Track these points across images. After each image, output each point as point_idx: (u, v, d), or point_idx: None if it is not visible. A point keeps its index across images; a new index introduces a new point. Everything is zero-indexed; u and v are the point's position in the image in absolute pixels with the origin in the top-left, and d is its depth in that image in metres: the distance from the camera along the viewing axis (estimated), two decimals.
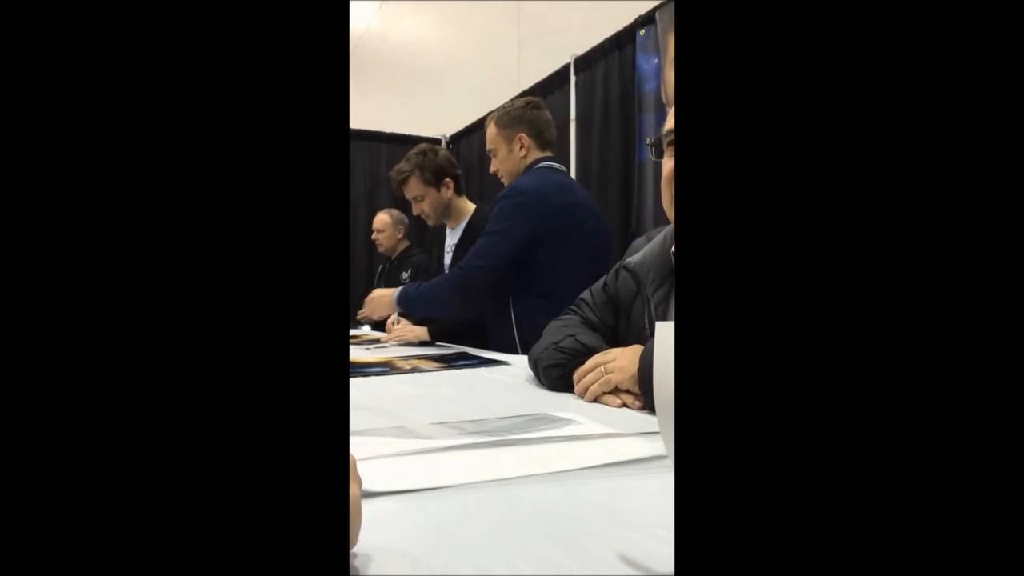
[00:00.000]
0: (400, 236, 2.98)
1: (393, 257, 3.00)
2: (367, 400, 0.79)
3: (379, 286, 2.96)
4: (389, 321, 1.75)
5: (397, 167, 1.88)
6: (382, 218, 3.00)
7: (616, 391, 0.75)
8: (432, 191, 1.85)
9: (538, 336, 0.96)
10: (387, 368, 1.12)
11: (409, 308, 1.67)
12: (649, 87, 2.31)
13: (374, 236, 3.02)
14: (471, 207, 1.90)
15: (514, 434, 0.58)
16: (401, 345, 1.62)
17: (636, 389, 0.72)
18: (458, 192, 1.89)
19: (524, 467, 0.47)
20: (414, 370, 1.09)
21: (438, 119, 3.78)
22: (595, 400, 0.76)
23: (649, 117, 2.31)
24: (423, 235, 3.08)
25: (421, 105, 4.11)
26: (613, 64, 2.48)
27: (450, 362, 1.21)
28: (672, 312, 0.81)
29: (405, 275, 2.75)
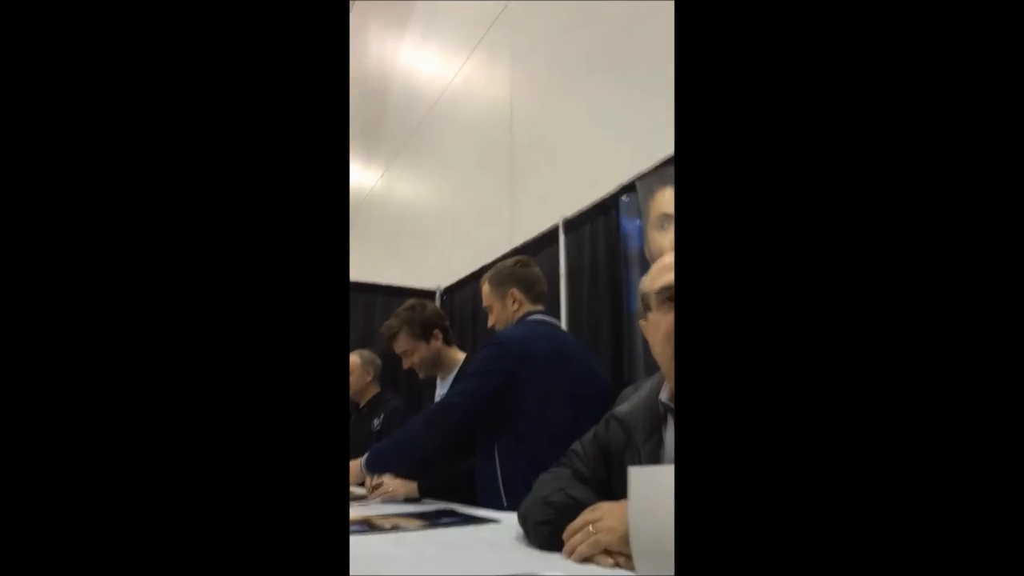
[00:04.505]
0: (369, 379, 2.59)
1: (362, 404, 2.59)
2: None
3: None
4: (368, 479, 1.62)
5: (387, 323, 1.92)
6: (350, 359, 2.54)
7: (607, 551, 0.71)
8: (421, 344, 1.87)
9: (522, 483, 0.93)
10: (365, 526, 1.05)
11: (385, 466, 1.54)
12: (633, 244, 2.45)
13: None
14: (461, 357, 1.91)
15: None
16: (382, 502, 1.53)
17: (627, 550, 0.68)
18: (447, 343, 1.91)
19: None
20: (395, 528, 1.03)
21: (433, 272, 3.94)
22: (585, 561, 0.72)
23: (635, 271, 2.42)
24: (396, 380, 2.81)
25: (418, 259, 4.30)
26: (599, 225, 2.64)
27: (433, 519, 1.14)
28: (663, 461, 0.79)
29: (376, 422, 2.40)
